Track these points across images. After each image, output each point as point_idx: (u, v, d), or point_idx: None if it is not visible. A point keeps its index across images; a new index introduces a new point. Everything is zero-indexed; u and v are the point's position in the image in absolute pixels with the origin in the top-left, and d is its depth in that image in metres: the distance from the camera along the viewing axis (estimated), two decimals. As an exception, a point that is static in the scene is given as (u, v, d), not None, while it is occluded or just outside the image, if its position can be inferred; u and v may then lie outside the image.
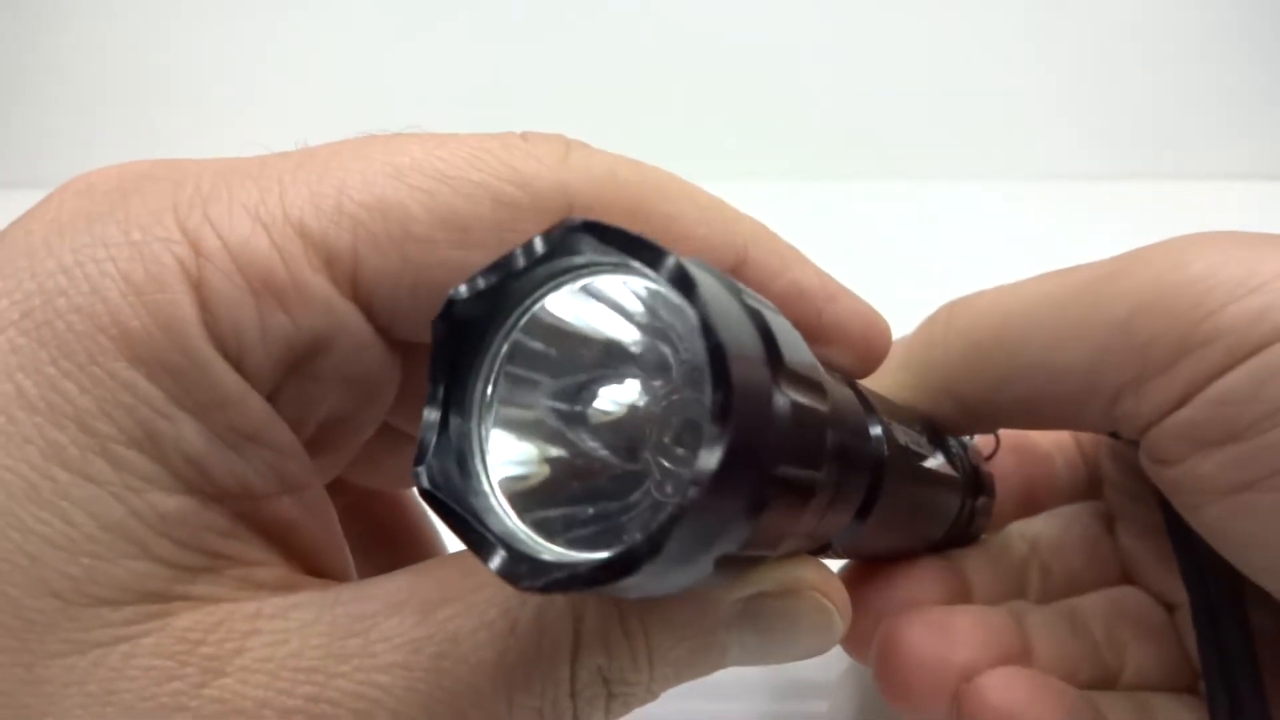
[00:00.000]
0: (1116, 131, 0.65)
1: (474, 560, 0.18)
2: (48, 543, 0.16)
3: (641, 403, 0.17)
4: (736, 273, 0.22)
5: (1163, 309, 0.22)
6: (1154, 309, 0.22)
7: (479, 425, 0.17)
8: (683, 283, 0.14)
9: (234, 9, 0.68)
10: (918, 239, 0.58)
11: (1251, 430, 0.21)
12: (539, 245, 0.16)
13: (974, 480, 0.29)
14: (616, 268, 0.16)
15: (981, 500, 0.29)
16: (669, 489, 0.17)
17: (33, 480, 0.16)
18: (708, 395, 0.14)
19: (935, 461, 0.26)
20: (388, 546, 0.28)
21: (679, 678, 0.20)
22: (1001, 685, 0.25)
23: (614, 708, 0.19)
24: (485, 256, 0.18)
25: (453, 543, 0.29)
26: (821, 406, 0.17)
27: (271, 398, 0.19)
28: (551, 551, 0.16)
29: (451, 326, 0.16)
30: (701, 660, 0.20)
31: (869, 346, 0.23)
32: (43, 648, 0.16)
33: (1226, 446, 0.22)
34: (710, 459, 0.14)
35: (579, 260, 0.16)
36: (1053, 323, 0.24)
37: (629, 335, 0.18)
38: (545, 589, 0.15)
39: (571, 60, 0.66)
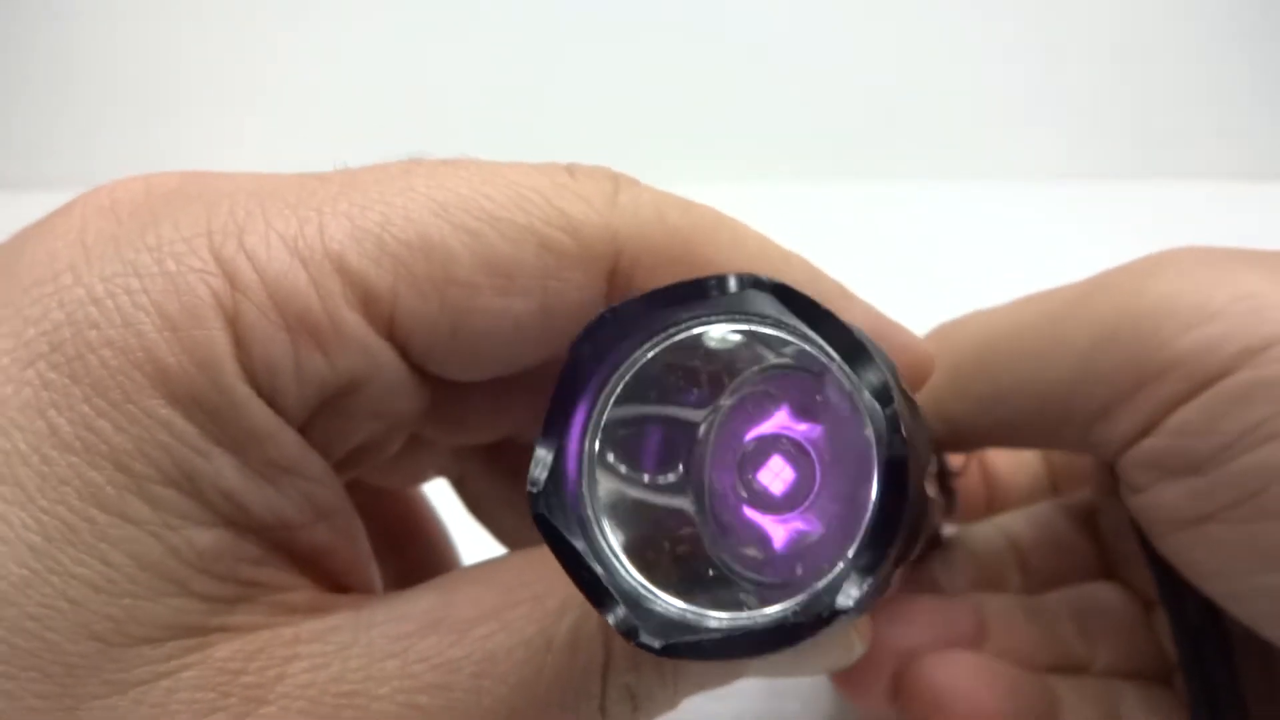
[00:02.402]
0: (1116, 131, 0.65)
1: (505, 574, 0.19)
2: (88, 585, 0.16)
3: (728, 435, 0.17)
4: None
5: (1122, 338, 0.22)
6: (1114, 338, 0.22)
7: (590, 452, 0.16)
8: (883, 398, 0.14)
9: (242, 10, 0.68)
10: (917, 239, 0.58)
11: (1210, 463, 0.21)
12: (732, 284, 0.15)
13: (952, 499, 0.29)
14: (781, 328, 0.16)
15: (952, 517, 0.30)
16: (731, 531, 0.17)
17: (71, 522, 0.16)
18: (870, 504, 0.14)
19: (934, 485, 0.26)
20: (399, 545, 0.28)
21: (699, 690, 0.20)
22: (942, 666, 0.26)
23: (638, 719, 0.19)
24: (526, 303, 0.19)
25: (464, 545, 0.29)
26: (934, 494, 0.17)
27: (303, 429, 0.18)
28: (659, 600, 0.16)
29: (593, 347, 0.16)
30: (723, 676, 0.20)
31: (913, 379, 0.23)
32: (84, 691, 0.16)
33: (1187, 478, 0.21)
34: (862, 585, 0.14)
35: (734, 308, 0.16)
36: (1028, 349, 0.24)
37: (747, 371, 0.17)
38: (664, 652, 0.15)
39: (576, 61, 0.66)
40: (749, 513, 0.17)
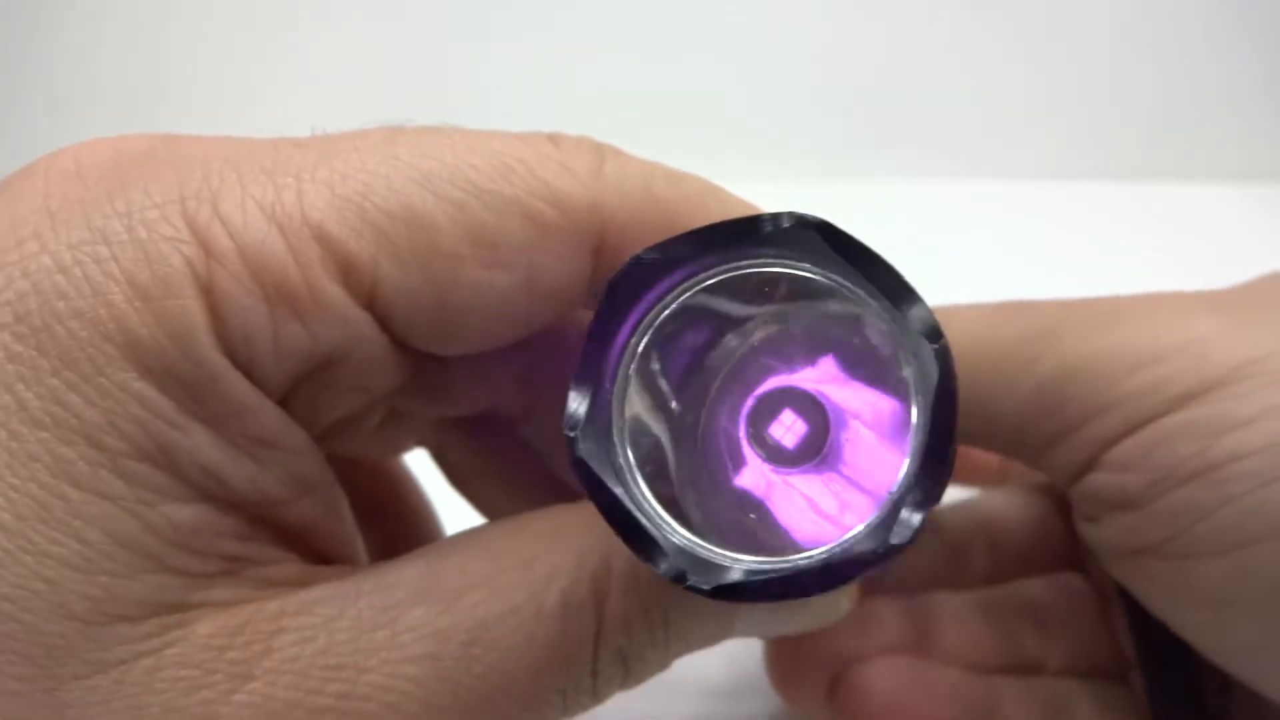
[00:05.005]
0: (1117, 132, 0.65)
1: (493, 541, 0.19)
2: (64, 564, 0.16)
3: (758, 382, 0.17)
4: None
5: (1075, 375, 0.22)
6: (1069, 375, 0.22)
7: (622, 396, 0.16)
8: (933, 334, 0.15)
9: (234, 4, 0.68)
10: (918, 239, 0.57)
11: (1141, 499, 0.21)
12: (785, 221, 0.15)
13: None
14: (826, 268, 0.16)
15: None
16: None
17: (43, 500, 0.16)
18: (912, 449, 0.14)
19: None
20: (380, 514, 0.28)
21: (690, 650, 0.20)
22: (878, 672, 0.26)
23: (629, 682, 0.19)
24: (510, 276, 0.18)
25: (445, 513, 0.29)
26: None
27: (282, 402, 0.18)
28: (700, 546, 0.16)
29: (630, 287, 0.16)
30: (713, 634, 0.20)
31: None
32: (64, 671, 0.16)
33: (1124, 512, 0.22)
34: (914, 520, 0.14)
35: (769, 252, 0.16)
36: (988, 375, 0.24)
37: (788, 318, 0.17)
38: (715, 594, 0.15)
39: (575, 59, 0.66)
40: (765, 469, 0.17)
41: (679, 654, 0.20)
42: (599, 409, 0.16)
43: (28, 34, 0.68)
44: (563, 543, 0.19)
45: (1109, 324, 0.22)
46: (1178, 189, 0.60)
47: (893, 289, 0.15)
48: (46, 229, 0.16)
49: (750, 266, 0.16)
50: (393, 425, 0.25)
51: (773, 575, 0.15)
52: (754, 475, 0.17)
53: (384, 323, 0.18)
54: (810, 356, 0.17)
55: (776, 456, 0.17)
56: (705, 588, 0.15)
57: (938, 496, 0.15)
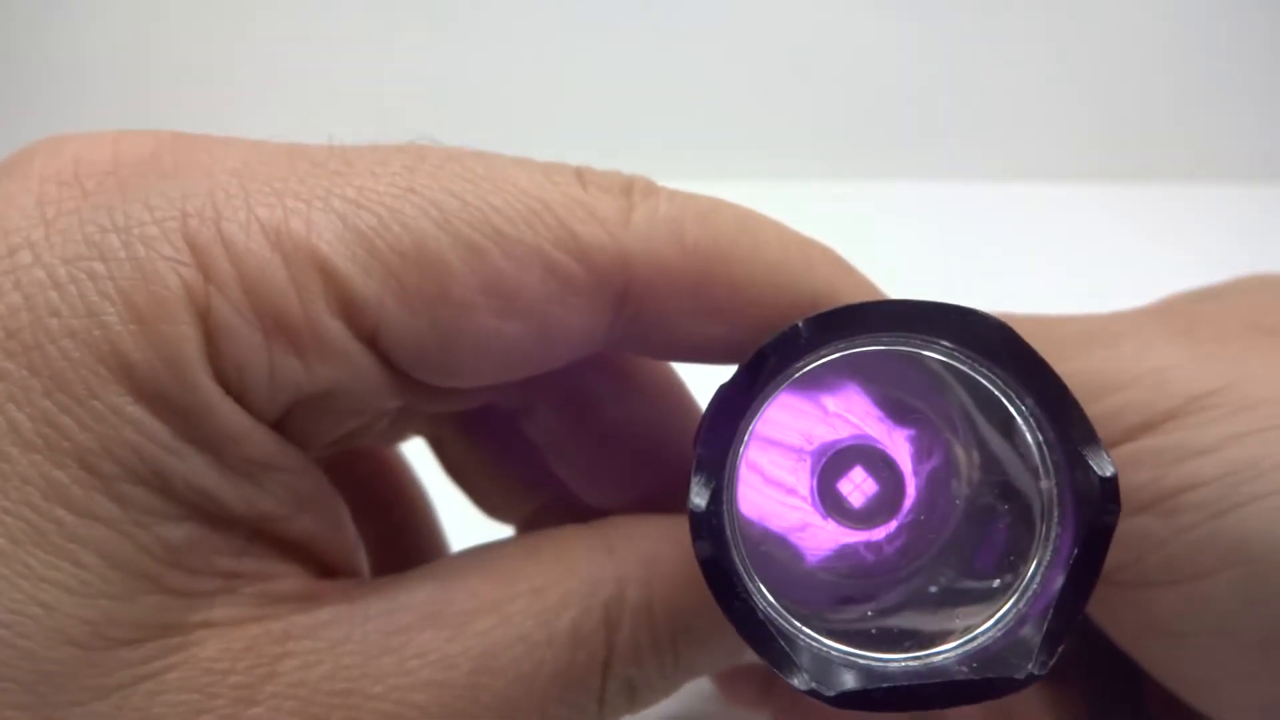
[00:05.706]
0: (1117, 133, 0.65)
1: (503, 564, 0.19)
2: (60, 588, 0.15)
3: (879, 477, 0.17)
4: None
5: None
6: None
7: (731, 484, 0.15)
8: (1112, 491, 0.14)
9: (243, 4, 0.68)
10: (918, 239, 0.58)
11: None
12: (971, 322, 0.15)
13: None
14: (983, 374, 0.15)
15: None
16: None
17: (36, 524, 0.15)
18: (1043, 564, 0.15)
19: None
20: (374, 503, 0.27)
21: (697, 676, 0.20)
22: None
23: (634, 709, 0.19)
24: (523, 326, 0.18)
25: (442, 506, 0.29)
26: None
27: (279, 424, 0.18)
28: (820, 644, 0.15)
29: (781, 359, 0.15)
30: (720, 663, 0.20)
31: None
32: (63, 698, 0.15)
33: None
34: (1054, 652, 0.14)
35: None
36: None
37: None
38: (837, 702, 0.14)
39: (580, 57, 0.66)
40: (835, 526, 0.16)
41: (686, 682, 0.20)
42: (724, 495, 0.15)
43: (39, 19, 0.68)
44: (575, 569, 0.18)
45: (1077, 348, 0.22)
46: (1178, 189, 0.61)
47: (1067, 416, 0.15)
48: (41, 240, 0.16)
49: (906, 347, 0.15)
50: (391, 421, 0.25)
51: (897, 687, 0.14)
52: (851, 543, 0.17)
53: (385, 358, 0.18)
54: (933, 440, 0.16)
55: (857, 520, 0.16)
56: (829, 694, 0.14)
57: (1071, 630, 0.15)
